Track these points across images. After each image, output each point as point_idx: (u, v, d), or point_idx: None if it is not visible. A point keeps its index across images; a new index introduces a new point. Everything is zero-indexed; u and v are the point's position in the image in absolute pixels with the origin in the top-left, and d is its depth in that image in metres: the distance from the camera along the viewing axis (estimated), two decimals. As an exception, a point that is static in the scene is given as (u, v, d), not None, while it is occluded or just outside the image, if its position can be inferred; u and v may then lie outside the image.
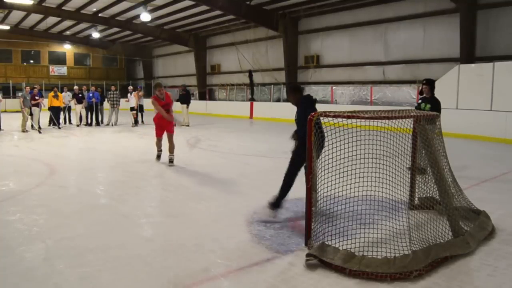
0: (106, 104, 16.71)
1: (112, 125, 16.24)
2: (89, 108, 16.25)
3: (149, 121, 11.62)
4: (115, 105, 16.24)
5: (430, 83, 6.79)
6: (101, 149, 10.15)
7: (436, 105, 6.60)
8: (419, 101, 6.93)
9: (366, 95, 17.55)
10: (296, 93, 4.77)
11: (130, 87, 16.56)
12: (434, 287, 3.04)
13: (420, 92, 7.27)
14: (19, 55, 30.53)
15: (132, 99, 16.02)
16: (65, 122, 16.73)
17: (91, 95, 16.21)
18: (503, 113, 11.59)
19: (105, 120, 16.63)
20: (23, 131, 13.61)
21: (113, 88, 16.54)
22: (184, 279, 3.14)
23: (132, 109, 16.12)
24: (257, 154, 9.32)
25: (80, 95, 16.32)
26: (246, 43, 22.26)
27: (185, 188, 6.11)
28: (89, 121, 16.31)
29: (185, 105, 15.97)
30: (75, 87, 16.72)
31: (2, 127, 13.90)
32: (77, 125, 16.03)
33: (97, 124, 16.43)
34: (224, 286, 3.10)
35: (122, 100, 16.85)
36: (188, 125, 15.96)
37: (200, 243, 3.86)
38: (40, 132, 13.44)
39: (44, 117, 15.45)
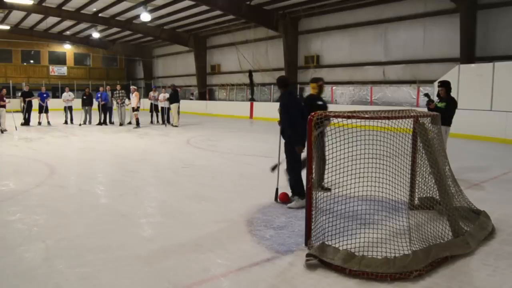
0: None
1: (121, 124, 16.32)
2: (102, 109, 16.53)
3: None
4: (121, 105, 16.37)
5: (445, 85, 6.74)
6: (101, 149, 10.14)
7: (452, 103, 6.63)
8: (437, 101, 6.88)
9: (366, 95, 17.55)
10: (281, 87, 5.26)
11: (133, 87, 16.52)
12: (434, 287, 3.04)
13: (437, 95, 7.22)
14: (19, 55, 30.54)
15: (133, 99, 15.98)
16: (66, 122, 16.82)
17: (99, 95, 16.33)
18: (503, 113, 11.58)
19: (116, 120, 16.76)
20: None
21: (118, 87, 16.64)
22: (184, 279, 3.14)
23: (133, 109, 16.08)
24: (257, 154, 9.32)
25: (84, 96, 16.49)
26: (246, 43, 22.26)
27: (185, 188, 6.11)
28: (101, 121, 16.50)
29: (173, 105, 15.83)
30: (86, 89, 17.16)
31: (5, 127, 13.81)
32: (79, 125, 16.08)
33: (105, 123, 16.57)
34: (224, 286, 3.10)
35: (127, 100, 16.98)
36: (176, 126, 15.90)
37: (200, 243, 3.85)
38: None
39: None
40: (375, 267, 3.16)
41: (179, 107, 16.19)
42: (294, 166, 5.08)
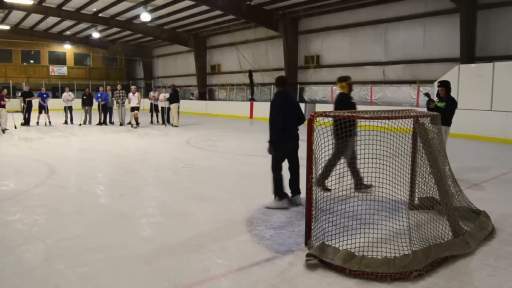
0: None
1: (121, 124, 16.29)
2: (102, 109, 16.52)
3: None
4: (121, 105, 16.37)
5: (445, 85, 6.70)
6: (101, 149, 10.14)
7: (451, 103, 6.61)
8: (437, 101, 6.86)
9: (366, 95, 17.55)
10: (277, 86, 5.39)
11: (134, 87, 16.47)
12: (434, 287, 3.04)
13: (437, 95, 7.19)
14: (19, 55, 30.53)
15: (134, 99, 15.93)
16: (66, 122, 16.83)
17: (99, 95, 16.33)
18: (503, 113, 11.59)
19: (116, 120, 16.73)
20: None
21: (119, 87, 16.61)
22: (184, 279, 3.14)
23: (132, 109, 16.06)
24: (257, 154, 9.31)
25: (84, 96, 16.49)
26: (246, 43, 22.26)
27: (185, 188, 6.11)
28: (101, 121, 16.50)
29: (173, 105, 15.82)
30: (86, 89, 17.17)
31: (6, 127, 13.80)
32: (79, 125, 16.08)
33: (105, 123, 16.56)
34: (224, 286, 3.10)
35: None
36: (176, 126, 15.89)
37: (200, 243, 3.85)
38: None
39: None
40: (375, 267, 3.16)
41: (179, 107, 16.18)
42: (276, 166, 5.11)
